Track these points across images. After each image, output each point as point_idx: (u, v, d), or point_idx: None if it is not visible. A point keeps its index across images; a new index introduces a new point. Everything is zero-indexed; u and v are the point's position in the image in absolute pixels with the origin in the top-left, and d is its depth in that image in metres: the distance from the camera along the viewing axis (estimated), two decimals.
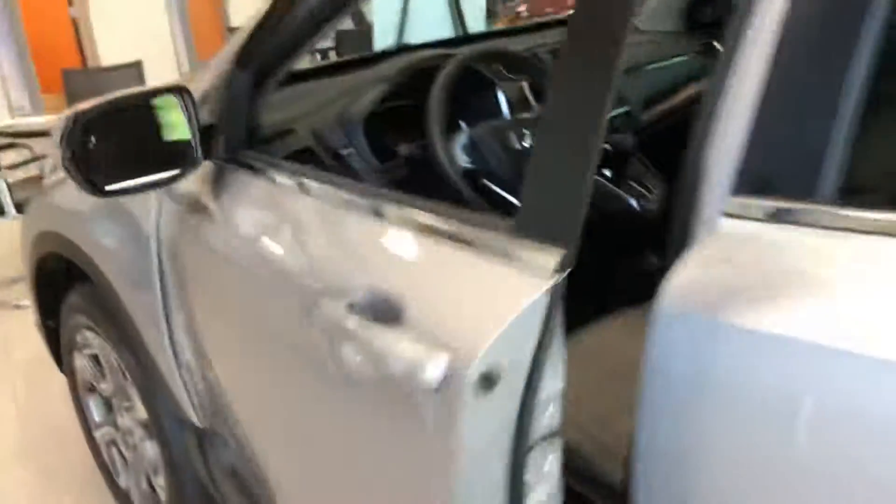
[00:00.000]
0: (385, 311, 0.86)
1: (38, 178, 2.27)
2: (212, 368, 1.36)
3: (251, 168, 1.22)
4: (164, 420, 1.59)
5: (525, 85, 1.53)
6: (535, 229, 0.77)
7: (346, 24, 5.31)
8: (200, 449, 1.53)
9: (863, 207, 0.67)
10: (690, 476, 0.75)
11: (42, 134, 3.50)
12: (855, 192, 0.69)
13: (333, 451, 1.10)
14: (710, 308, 0.70)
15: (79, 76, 5.37)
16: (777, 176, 0.72)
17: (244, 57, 1.23)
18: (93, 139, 1.11)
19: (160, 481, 1.73)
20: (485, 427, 0.77)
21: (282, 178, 1.17)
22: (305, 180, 1.12)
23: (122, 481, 1.95)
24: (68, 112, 1.11)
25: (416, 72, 1.54)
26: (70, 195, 1.69)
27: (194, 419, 1.49)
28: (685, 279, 0.72)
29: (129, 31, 5.58)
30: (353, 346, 0.90)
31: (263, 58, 1.24)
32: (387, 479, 0.98)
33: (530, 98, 1.53)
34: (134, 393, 1.71)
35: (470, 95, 1.48)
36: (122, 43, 5.67)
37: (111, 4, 5.18)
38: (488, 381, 0.74)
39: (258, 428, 1.33)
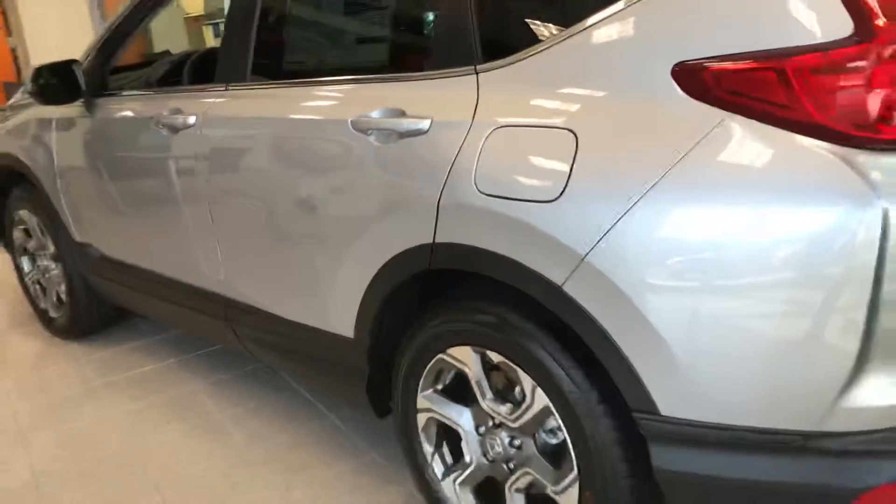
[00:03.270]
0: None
1: None
2: (81, 202, 2.78)
3: (105, 96, 2.63)
4: (62, 245, 2.98)
5: None
6: None
7: None
8: (80, 255, 2.92)
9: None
10: None
11: None
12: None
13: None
14: None
15: (16, 87, 6.82)
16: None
17: (96, 51, 2.66)
18: (41, 80, 2.53)
19: (63, 289, 3.10)
20: None
21: (122, 98, 2.59)
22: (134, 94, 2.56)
23: (42, 304, 3.32)
24: (34, 68, 2.53)
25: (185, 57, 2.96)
26: (15, 131, 3.08)
27: (76, 237, 2.89)
28: None
29: (54, 57, 6.96)
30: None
31: (106, 51, 2.66)
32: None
33: None
34: (48, 240, 3.09)
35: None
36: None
37: (40, 37, 6.53)
38: None
39: (112, 229, 2.74)
